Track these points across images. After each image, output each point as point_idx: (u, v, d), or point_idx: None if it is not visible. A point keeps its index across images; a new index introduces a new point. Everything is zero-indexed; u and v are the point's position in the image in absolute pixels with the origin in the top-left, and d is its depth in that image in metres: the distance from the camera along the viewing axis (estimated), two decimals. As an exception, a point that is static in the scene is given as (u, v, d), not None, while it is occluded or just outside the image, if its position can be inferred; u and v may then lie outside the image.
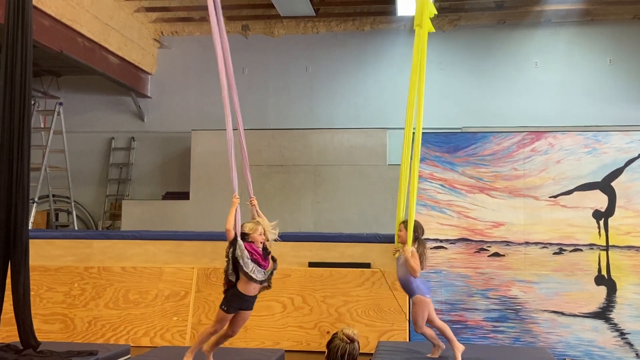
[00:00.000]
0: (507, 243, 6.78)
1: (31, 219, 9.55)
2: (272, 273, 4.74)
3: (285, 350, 6.03)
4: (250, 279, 4.60)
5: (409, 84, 5.30)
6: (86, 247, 7.70)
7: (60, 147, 10.94)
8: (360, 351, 3.65)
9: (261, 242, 4.72)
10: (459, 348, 5.17)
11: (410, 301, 5.38)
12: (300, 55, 11.63)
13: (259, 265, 4.65)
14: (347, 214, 10.29)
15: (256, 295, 4.77)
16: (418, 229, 5.21)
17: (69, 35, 9.25)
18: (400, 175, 5.37)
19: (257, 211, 4.93)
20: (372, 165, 10.42)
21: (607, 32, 10.89)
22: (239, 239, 4.66)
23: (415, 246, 5.12)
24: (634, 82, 10.72)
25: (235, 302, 4.71)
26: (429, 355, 5.33)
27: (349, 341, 3.32)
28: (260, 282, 4.66)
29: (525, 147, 6.93)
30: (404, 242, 5.17)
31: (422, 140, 7.13)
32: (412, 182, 5.23)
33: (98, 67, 10.10)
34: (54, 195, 11.24)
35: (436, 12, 5.32)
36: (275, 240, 4.86)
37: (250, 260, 4.60)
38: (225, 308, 4.71)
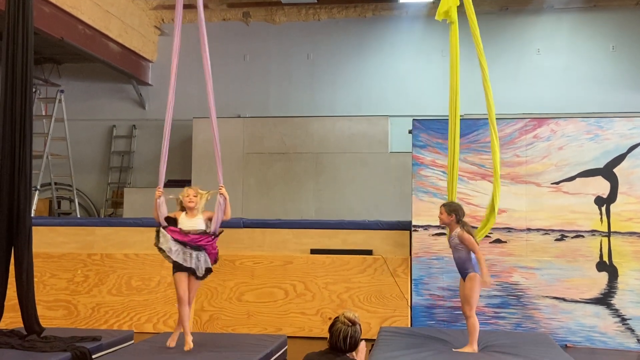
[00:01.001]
0: (509, 229, 6.79)
1: (33, 207, 9.56)
2: (209, 270, 5.10)
3: (288, 336, 6.06)
4: (177, 265, 4.96)
5: (450, 75, 5.39)
6: (89, 235, 7.74)
7: (61, 134, 10.92)
8: (363, 337, 3.67)
9: (191, 202, 5.05)
10: (473, 349, 5.03)
11: (464, 280, 5.13)
12: (301, 42, 11.56)
13: (180, 242, 4.93)
14: (349, 202, 10.29)
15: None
16: (459, 211, 5.18)
17: (70, 23, 9.21)
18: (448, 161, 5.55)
19: (225, 199, 5.18)
20: (373, 153, 10.40)
21: (610, 18, 10.82)
22: (161, 228, 4.98)
23: (459, 228, 5.09)
24: (637, 68, 10.66)
25: (178, 267, 5.02)
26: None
27: (350, 324, 3.34)
28: (185, 269, 4.94)
29: (527, 133, 6.92)
30: (444, 224, 5.26)
31: (423, 127, 7.21)
32: (453, 169, 5.40)
33: (99, 55, 10.06)
34: (56, 183, 11.24)
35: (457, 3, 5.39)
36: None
37: (172, 247, 4.90)
38: (175, 271, 5.03)
